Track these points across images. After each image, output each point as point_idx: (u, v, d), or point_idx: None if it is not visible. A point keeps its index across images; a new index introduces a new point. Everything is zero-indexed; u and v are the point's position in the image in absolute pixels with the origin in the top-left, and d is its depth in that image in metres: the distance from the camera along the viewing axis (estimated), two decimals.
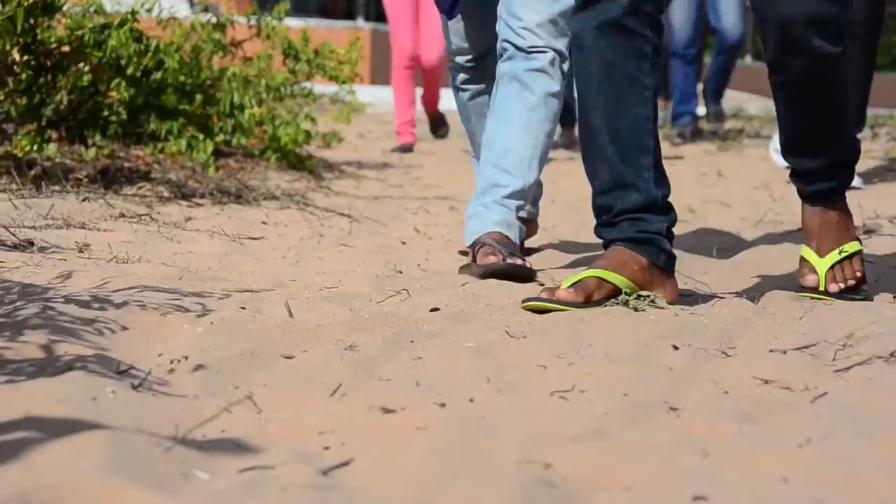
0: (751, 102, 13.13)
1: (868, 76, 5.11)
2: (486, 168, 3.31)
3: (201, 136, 4.96)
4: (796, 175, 2.82)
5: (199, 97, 5.20)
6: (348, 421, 1.79)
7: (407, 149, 7.64)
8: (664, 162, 2.70)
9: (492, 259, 3.12)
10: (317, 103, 6.46)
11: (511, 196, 3.29)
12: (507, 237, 3.23)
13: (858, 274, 2.79)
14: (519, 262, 3.12)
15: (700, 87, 8.34)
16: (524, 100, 3.29)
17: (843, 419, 1.71)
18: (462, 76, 3.62)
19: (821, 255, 2.79)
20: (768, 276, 3.13)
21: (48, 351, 1.99)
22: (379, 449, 1.65)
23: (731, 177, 6.30)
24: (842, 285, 2.77)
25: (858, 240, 2.83)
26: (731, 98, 11.64)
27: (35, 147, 4.09)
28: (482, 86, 3.60)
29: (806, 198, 2.82)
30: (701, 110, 8.62)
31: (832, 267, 2.78)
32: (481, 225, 3.25)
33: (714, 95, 8.28)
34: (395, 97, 7.69)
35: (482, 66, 3.57)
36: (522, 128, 3.29)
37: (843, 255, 2.78)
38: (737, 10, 7.83)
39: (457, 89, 3.65)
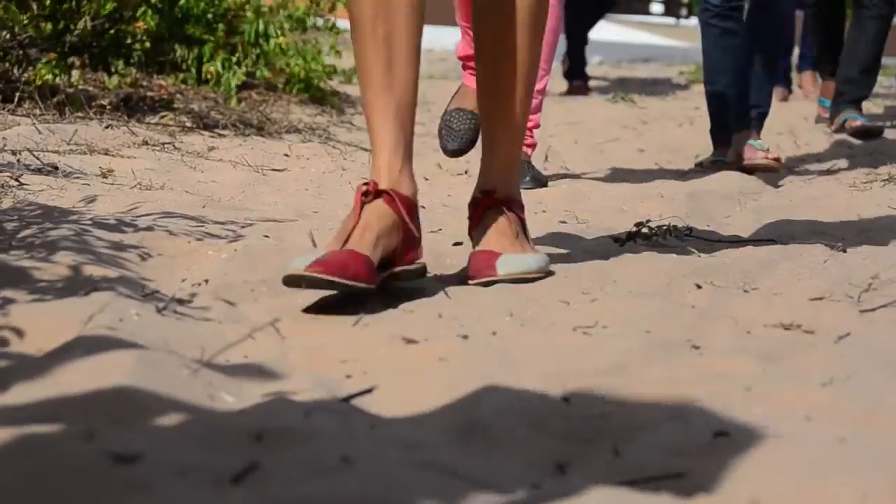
0: None
1: None
2: None
3: (233, 59, 4.94)
4: None
5: (220, 27, 5.17)
6: (370, 350, 1.79)
7: None
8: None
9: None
10: (340, 37, 6.42)
11: None
12: None
13: None
14: None
15: None
16: None
17: (866, 359, 1.70)
18: None
19: None
20: (792, 221, 3.11)
21: (75, 272, 1.99)
22: (400, 378, 1.65)
23: None
24: None
25: None
26: None
27: (54, 77, 4.07)
28: None
29: None
30: None
31: None
32: None
33: None
34: None
35: None
36: None
37: None
38: None
39: None
